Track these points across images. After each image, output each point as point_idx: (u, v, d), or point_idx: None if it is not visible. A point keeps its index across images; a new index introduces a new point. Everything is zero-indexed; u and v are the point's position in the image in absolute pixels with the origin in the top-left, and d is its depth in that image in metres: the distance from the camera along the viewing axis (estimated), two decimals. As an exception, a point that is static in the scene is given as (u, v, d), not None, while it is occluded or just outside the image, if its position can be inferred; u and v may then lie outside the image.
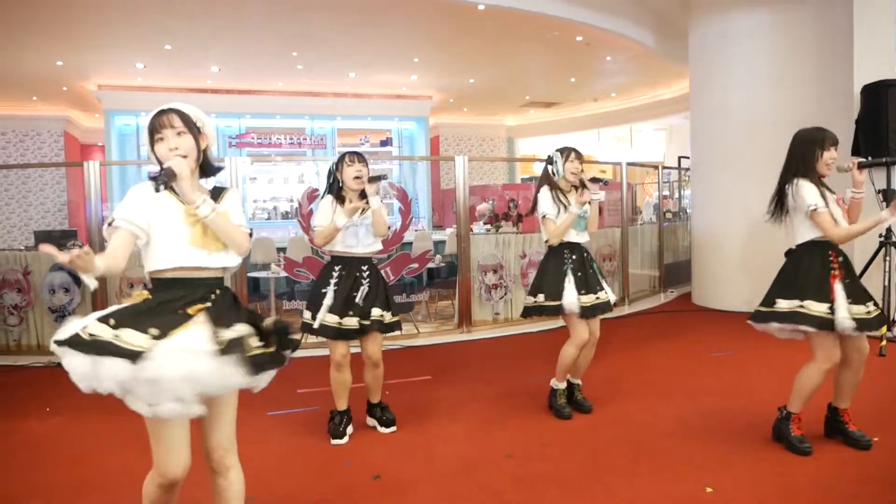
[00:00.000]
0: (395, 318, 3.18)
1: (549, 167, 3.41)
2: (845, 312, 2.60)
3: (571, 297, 3.26)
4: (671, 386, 3.93)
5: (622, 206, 7.07)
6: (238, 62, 8.92)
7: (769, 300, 2.78)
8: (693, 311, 6.62)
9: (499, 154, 14.28)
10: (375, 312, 3.07)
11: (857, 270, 4.86)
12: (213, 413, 1.80)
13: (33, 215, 11.43)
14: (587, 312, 3.30)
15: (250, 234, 1.90)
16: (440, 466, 2.80)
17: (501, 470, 2.72)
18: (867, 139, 4.89)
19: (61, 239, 7.26)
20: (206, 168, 1.89)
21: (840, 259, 2.72)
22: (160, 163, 1.76)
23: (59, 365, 1.79)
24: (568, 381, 3.48)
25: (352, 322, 3.04)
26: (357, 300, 3.05)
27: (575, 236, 3.38)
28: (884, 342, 4.48)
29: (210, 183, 1.92)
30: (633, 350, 4.89)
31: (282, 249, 6.26)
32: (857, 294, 2.68)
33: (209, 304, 1.76)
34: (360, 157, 3.12)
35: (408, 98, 11.49)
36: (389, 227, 3.07)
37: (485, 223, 8.35)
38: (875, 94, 4.88)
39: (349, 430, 3.20)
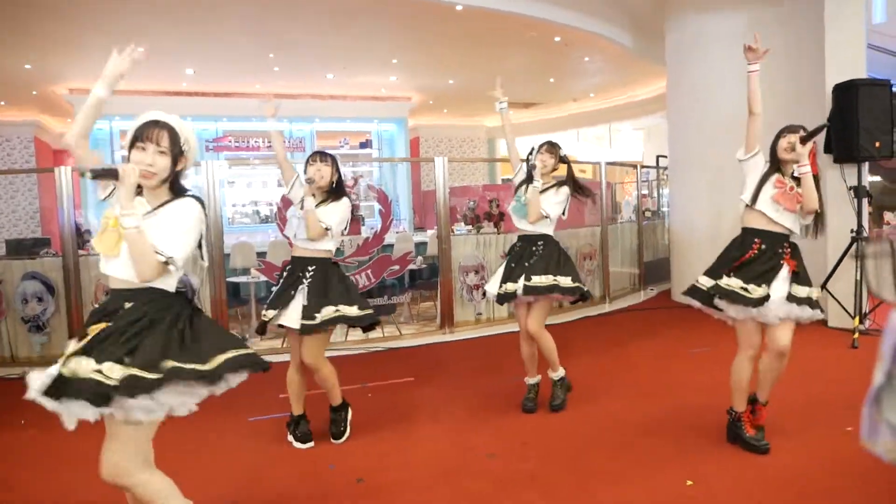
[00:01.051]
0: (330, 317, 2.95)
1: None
2: (734, 288, 2.66)
3: (490, 287, 3.47)
4: (651, 382, 3.97)
5: (601, 205, 7.12)
6: (214, 64, 8.82)
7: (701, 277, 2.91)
8: (672, 307, 6.68)
9: (479, 155, 14.31)
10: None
11: (829, 265, 5.03)
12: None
13: (4, 223, 11.17)
14: (500, 300, 3.44)
15: (166, 263, 1.72)
16: (423, 469, 2.79)
17: (484, 470, 2.72)
18: (839, 138, 4.99)
19: (34, 247, 7.09)
20: (176, 188, 1.86)
21: (763, 247, 2.73)
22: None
23: None
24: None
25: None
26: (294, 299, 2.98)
27: (523, 227, 3.44)
28: (856, 334, 4.59)
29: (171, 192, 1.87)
30: (614, 347, 4.93)
31: (262, 254, 6.20)
32: (759, 276, 2.67)
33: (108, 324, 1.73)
34: (322, 157, 3.09)
35: (387, 100, 11.46)
36: (328, 230, 2.95)
37: (466, 224, 8.35)
38: (846, 93, 4.97)
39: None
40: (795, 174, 2.71)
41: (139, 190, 1.76)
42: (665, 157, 8.46)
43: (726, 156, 6.28)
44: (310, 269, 3.06)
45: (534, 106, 12.74)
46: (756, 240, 2.74)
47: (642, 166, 9.38)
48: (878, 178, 10.16)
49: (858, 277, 4.81)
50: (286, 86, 10.22)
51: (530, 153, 3.49)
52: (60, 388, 1.69)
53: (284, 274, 3.16)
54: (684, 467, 2.64)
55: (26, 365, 5.04)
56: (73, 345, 1.75)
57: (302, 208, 2.99)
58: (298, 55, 8.52)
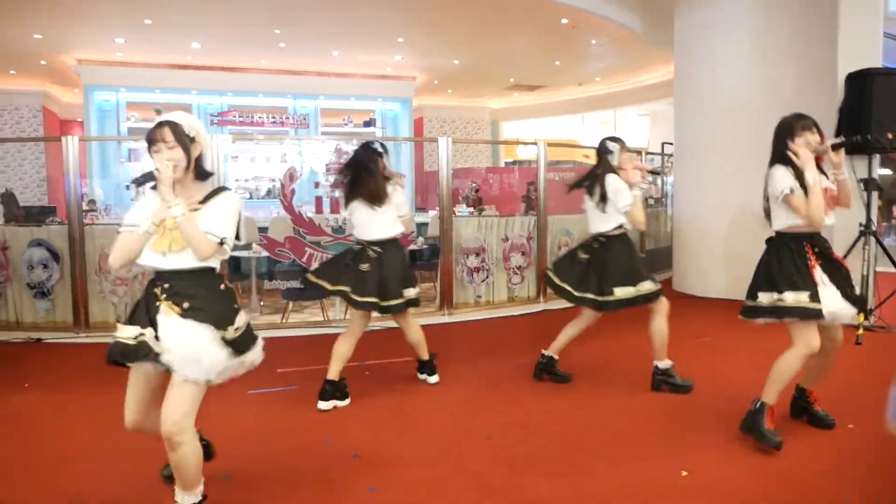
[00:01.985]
0: None
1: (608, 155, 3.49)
2: (831, 304, 2.62)
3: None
4: (647, 371, 4.01)
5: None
6: (220, 38, 8.76)
7: (752, 294, 2.78)
8: (673, 297, 6.68)
9: (483, 137, 14.24)
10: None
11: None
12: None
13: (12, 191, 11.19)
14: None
15: (221, 243, 2.01)
16: (420, 447, 2.85)
17: (481, 451, 2.77)
18: (850, 128, 4.84)
19: (40, 215, 7.15)
20: (199, 172, 2.09)
21: (816, 249, 2.71)
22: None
23: (38, 341, 1.86)
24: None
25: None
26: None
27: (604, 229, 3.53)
28: (860, 331, 4.46)
29: (212, 183, 2.13)
30: (614, 336, 4.96)
31: (263, 229, 6.23)
32: (840, 283, 2.68)
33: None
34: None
35: (392, 79, 11.39)
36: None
37: (468, 206, 8.37)
38: (859, 83, 4.83)
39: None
40: (831, 179, 2.72)
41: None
42: (670, 143, 8.43)
43: (733, 144, 6.35)
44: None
45: (539, 89, 12.65)
46: (806, 244, 2.71)
47: (647, 153, 9.35)
48: (888, 171, 10.10)
49: (865, 272, 4.74)
50: (291, 62, 10.16)
51: (603, 149, 3.51)
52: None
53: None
54: (681, 457, 2.65)
55: (31, 330, 5.12)
56: (130, 329, 2.00)
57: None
58: (304, 32, 8.46)
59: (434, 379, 3.71)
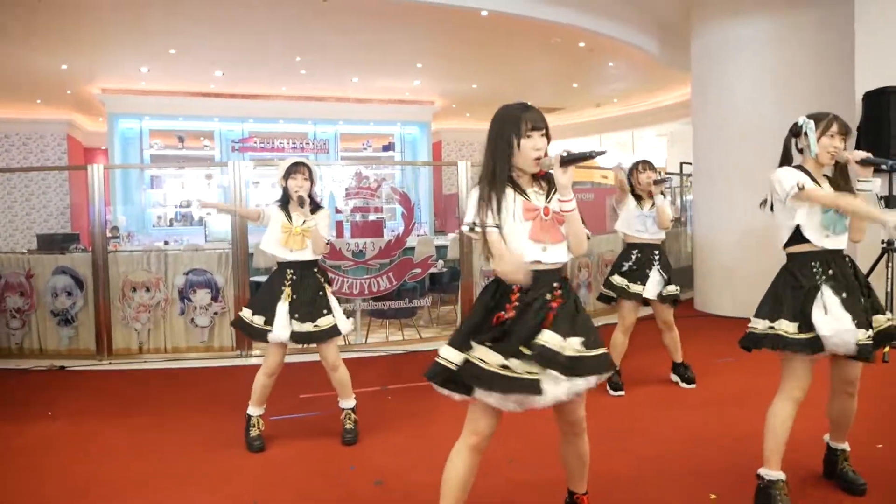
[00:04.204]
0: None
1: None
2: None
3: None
4: (675, 393, 3.93)
5: (624, 211, 7.06)
6: (241, 66, 8.95)
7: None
8: (695, 317, 6.60)
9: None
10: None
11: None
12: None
13: (36, 218, 11.45)
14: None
15: (327, 243, 3.16)
16: (441, 474, 2.79)
17: (503, 476, 2.72)
18: (869, 146, 4.88)
19: (63, 242, 7.27)
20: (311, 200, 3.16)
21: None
22: (286, 190, 3.14)
23: (62, 368, 1.85)
24: None
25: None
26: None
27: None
28: (887, 349, 4.44)
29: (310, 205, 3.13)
30: (637, 357, 4.87)
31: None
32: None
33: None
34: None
35: (410, 103, 11.52)
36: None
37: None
38: (877, 101, 4.87)
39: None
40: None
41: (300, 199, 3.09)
42: (689, 163, 8.37)
43: (751, 164, 6.29)
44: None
45: (557, 111, 12.69)
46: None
47: (666, 173, 9.29)
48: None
49: (890, 289, 4.69)
50: (311, 88, 10.33)
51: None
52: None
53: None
54: (710, 481, 2.60)
55: (54, 358, 5.16)
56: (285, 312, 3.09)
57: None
58: (325, 58, 8.61)
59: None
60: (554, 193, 1.89)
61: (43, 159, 11.48)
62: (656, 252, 3.93)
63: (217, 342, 5.34)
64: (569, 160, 1.79)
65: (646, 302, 3.94)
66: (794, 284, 2.29)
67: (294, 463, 2.95)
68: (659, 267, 3.89)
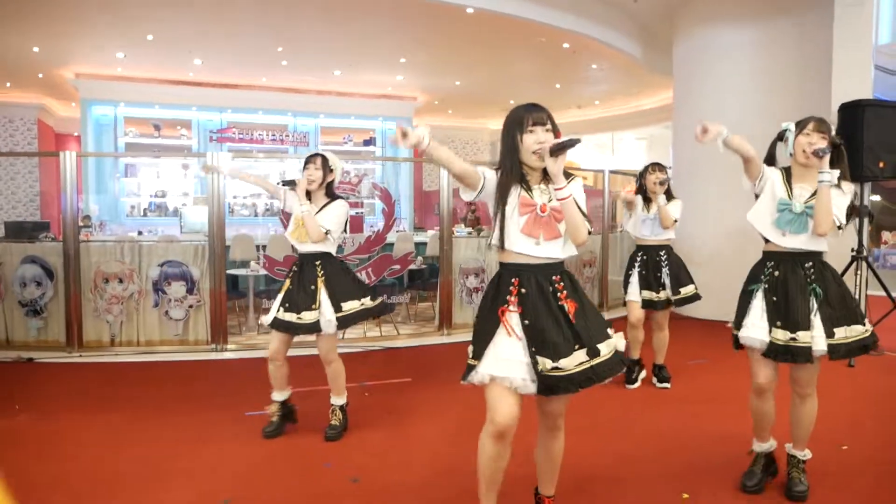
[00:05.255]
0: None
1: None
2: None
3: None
4: (648, 393, 3.97)
5: (604, 213, 7.13)
6: (222, 55, 8.81)
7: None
8: (671, 318, 6.68)
9: (481, 157, 14.31)
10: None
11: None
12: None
13: (3, 205, 11.13)
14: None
15: (326, 234, 3.05)
16: (420, 469, 2.79)
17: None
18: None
19: (33, 231, 7.06)
20: (328, 190, 3.18)
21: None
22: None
23: (30, 360, 1.79)
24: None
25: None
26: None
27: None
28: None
29: (330, 197, 3.18)
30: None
31: (261, 247, 6.19)
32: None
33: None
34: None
35: (392, 98, 11.46)
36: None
37: (466, 226, 8.36)
38: (852, 113, 4.96)
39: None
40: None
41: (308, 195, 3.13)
42: (668, 167, 8.48)
43: (730, 168, 6.35)
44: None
45: (538, 111, 12.75)
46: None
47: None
48: (877, 198, 10.21)
49: (858, 296, 4.82)
50: (292, 80, 10.21)
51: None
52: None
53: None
54: (681, 480, 2.64)
55: (21, 349, 5.02)
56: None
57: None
58: (307, 50, 8.52)
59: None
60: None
61: (12, 144, 11.16)
62: (662, 253, 4.00)
63: (192, 335, 5.25)
64: (557, 149, 1.87)
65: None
66: (746, 283, 2.51)
67: (269, 459, 2.91)
68: (668, 271, 3.98)
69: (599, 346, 1.94)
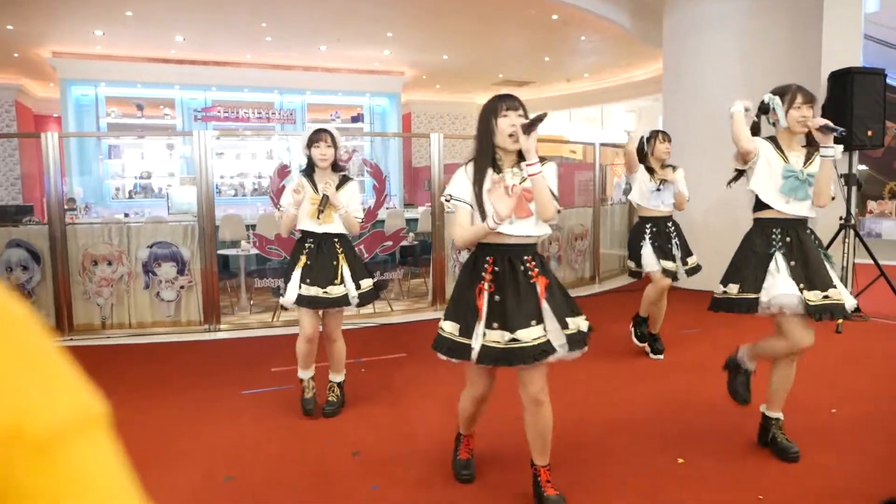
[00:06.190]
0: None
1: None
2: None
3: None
4: (642, 363, 4.02)
5: (594, 186, 7.12)
6: (204, 32, 8.60)
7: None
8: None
9: (470, 132, 14.13)
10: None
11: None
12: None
13: (-16, 189, 10.94)
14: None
15: (361, 221, 3.10)
16: (417, 444, 2.81)
17: (477, 445, 2.74)
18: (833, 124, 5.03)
19: (17, 215, 6.96)
20: (335, 166, 3.11)
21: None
22: (310, 159, 3.09)
23: None
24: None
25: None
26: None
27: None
28: (840, 320, 4.62)
29: (337, 174, 3.12)
30: (604, 328, 4.96)
31: (251, 227, 6.13)
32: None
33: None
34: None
35: (380, 74, 11.29)
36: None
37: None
38: (841, 81, 4.97)
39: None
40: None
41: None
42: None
43: (720, 139, 6.35)
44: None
45: (527, 85, 12.63)
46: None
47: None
48: (864, 167, 10.28)
49: (845, 264, 4.88)
50: (278, 56, 10.02)
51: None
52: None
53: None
54: (676, 446, 2.69)
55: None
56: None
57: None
58: (291, 26, 8.34)
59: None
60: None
61: (-10, 126, 10.92)
62: (669, 224, 4.02)
63: (184, 316, 5.22)
64: (528, 125, 2.03)
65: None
66: (752, 248, 2.50)
67: (269, 437, 2.92)
68: (677, 241, 4.00)
69: (568, 319, 2.12)
